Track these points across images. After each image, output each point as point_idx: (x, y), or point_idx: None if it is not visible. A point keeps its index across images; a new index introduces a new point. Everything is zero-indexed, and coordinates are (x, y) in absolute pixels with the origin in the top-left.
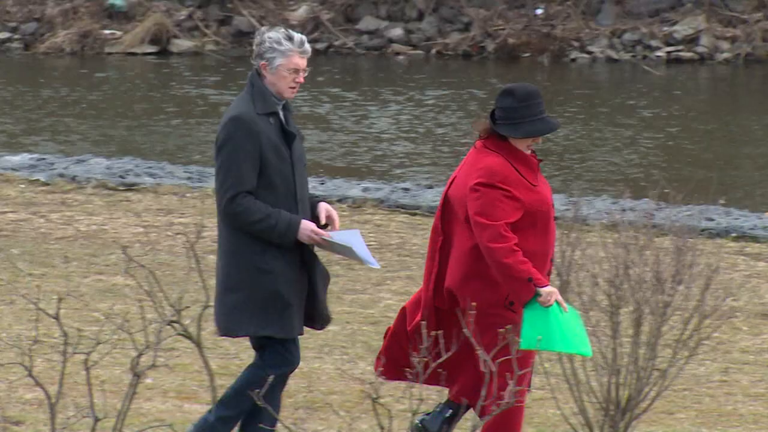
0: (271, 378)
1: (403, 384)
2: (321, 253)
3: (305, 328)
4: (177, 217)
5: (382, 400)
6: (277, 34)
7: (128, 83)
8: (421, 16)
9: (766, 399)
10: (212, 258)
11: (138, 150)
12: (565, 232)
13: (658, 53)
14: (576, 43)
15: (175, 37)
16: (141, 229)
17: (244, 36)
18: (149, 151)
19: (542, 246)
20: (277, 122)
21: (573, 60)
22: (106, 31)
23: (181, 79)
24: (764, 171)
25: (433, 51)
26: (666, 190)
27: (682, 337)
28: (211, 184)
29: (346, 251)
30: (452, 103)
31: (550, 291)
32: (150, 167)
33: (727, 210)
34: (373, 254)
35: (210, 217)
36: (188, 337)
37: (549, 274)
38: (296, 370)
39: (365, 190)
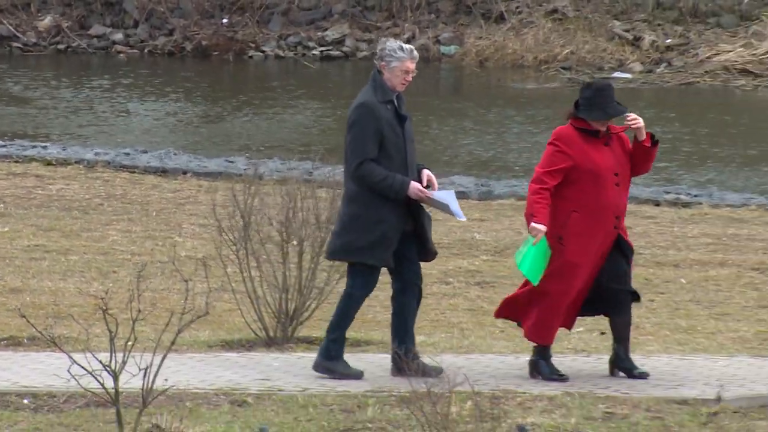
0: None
1: (127, 298)
2: None
3: None
4: None
5: (110, 311)
6: (393, 44)
7: None
8: (136, 24)
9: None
10: None
11: None
12: (246, 185)
13: (314, 52)
14: (253, 44)
15: None
16: None
17: (3, 40)
18: None
19: (596, 200)
20: (393, 108)
21: (251, 57)
22: None
23: None
24: None
25: (146, 50)
26: (323, 155)
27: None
28: None
29: (442, 206)
30: (162, 89)
31: (537, 228)
32: None
33: None
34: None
35: None
36: None
37: (616, 228)
38: (45, 288)
39: (96, 154)
